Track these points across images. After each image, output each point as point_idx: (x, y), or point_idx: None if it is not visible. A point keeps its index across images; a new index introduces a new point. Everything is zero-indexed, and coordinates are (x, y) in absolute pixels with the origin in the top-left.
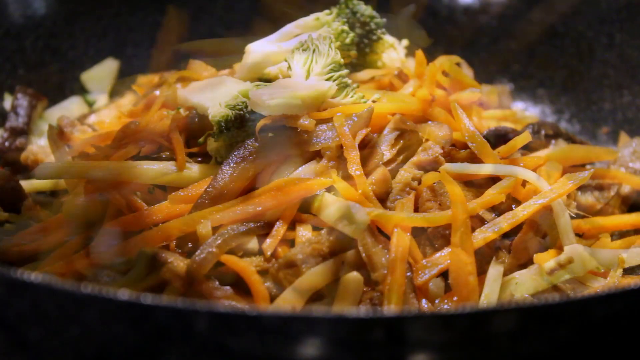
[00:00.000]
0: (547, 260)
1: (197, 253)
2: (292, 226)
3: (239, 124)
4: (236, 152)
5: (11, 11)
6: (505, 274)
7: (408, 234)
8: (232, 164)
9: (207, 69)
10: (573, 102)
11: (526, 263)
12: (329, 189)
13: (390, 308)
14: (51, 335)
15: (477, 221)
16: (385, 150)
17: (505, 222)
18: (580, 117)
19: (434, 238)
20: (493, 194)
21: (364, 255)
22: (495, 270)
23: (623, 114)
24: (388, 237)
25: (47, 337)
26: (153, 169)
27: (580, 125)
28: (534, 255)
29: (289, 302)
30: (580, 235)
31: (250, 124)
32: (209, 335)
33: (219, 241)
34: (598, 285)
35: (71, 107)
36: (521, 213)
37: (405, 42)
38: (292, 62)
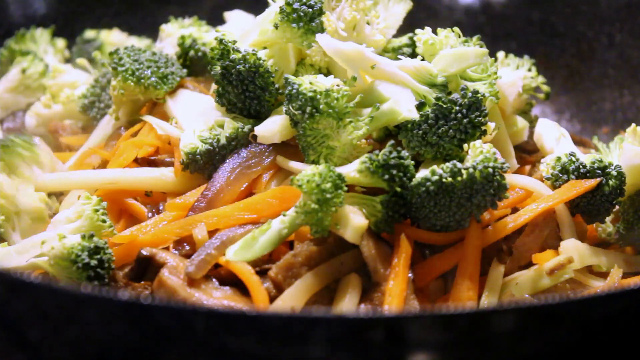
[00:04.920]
0: (547, 260)
1: (195, 255)
2: None
3: (207, 158)
4: (233, 157)
5: (11, 11)
6: (505, 274)
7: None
8: (228, 169)
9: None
10: (573, 102)
11: (527, 264)
12: None
13: (391, 308)
14: (51, 335)
15: None
16: None
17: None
18: (580, 117)
19: None
20: (501, 207)
21: (365, 257)
22: (496, 271)
23: (623, 114)
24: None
25: (47, 337)
26: (150, 177)
27: (580, 125)
28: (533, 256)
29: (288, 303)
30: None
31: (218, 159)
32: (209, 335)
33: (217, 243)
34: (598, 285)
35: None
36: (523, 217)
37: None
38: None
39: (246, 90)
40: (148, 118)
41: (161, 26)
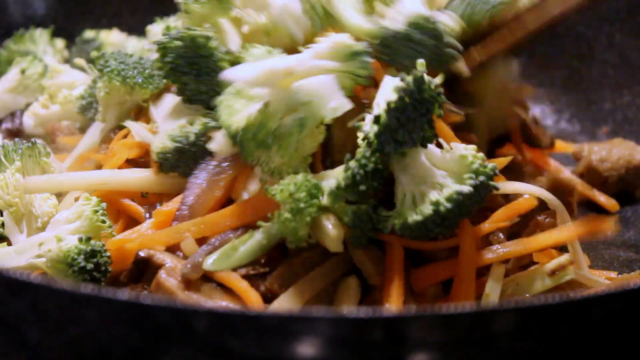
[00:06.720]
0: (547, 261)
1: (186, 262)
2: None
3: (178, 155)
4: (201, 166)
5: (11, 11)
6: (506, 274)
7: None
8: (200, 177)
9: None
10: (573, 102)
11: (527, 264)
12: None
13: (390, 308)
14: (51, 335)
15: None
16: None
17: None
18: (580, 117)
19: None
20: (505, 213)
21: (357, 264)
22: (496, 272)
23: (623, 114)
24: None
25: (47, 337)
26: (141, 177)
27: (580, 125)
28: (534, 255)
29: (286, 305)
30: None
31: (189, 156)
32: (209, 335)
33: (210, 248)
34: (598, 286)
35: None
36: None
37: None
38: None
39: (199, 71)
40: (128, 123)
41: (147, 27)
